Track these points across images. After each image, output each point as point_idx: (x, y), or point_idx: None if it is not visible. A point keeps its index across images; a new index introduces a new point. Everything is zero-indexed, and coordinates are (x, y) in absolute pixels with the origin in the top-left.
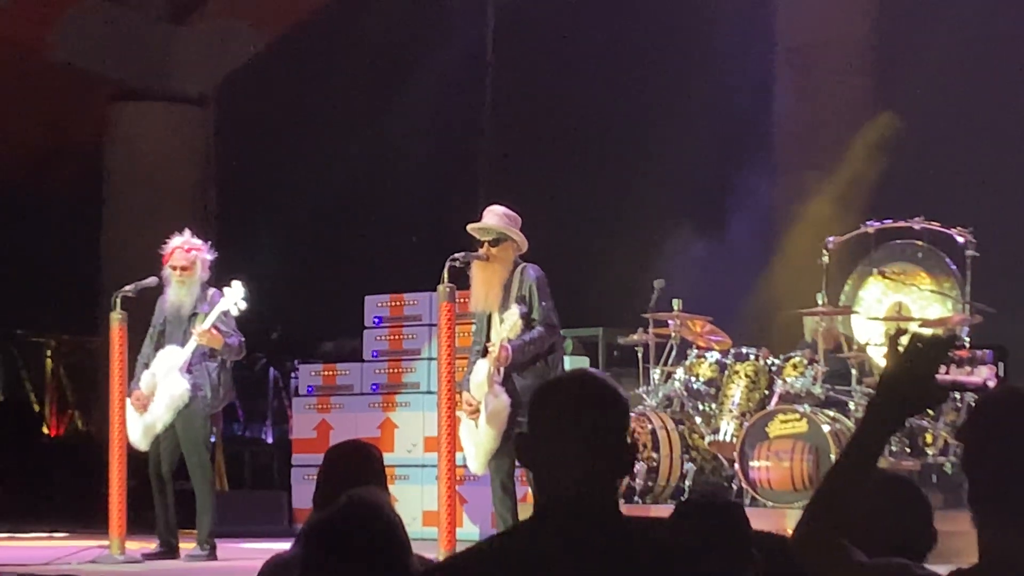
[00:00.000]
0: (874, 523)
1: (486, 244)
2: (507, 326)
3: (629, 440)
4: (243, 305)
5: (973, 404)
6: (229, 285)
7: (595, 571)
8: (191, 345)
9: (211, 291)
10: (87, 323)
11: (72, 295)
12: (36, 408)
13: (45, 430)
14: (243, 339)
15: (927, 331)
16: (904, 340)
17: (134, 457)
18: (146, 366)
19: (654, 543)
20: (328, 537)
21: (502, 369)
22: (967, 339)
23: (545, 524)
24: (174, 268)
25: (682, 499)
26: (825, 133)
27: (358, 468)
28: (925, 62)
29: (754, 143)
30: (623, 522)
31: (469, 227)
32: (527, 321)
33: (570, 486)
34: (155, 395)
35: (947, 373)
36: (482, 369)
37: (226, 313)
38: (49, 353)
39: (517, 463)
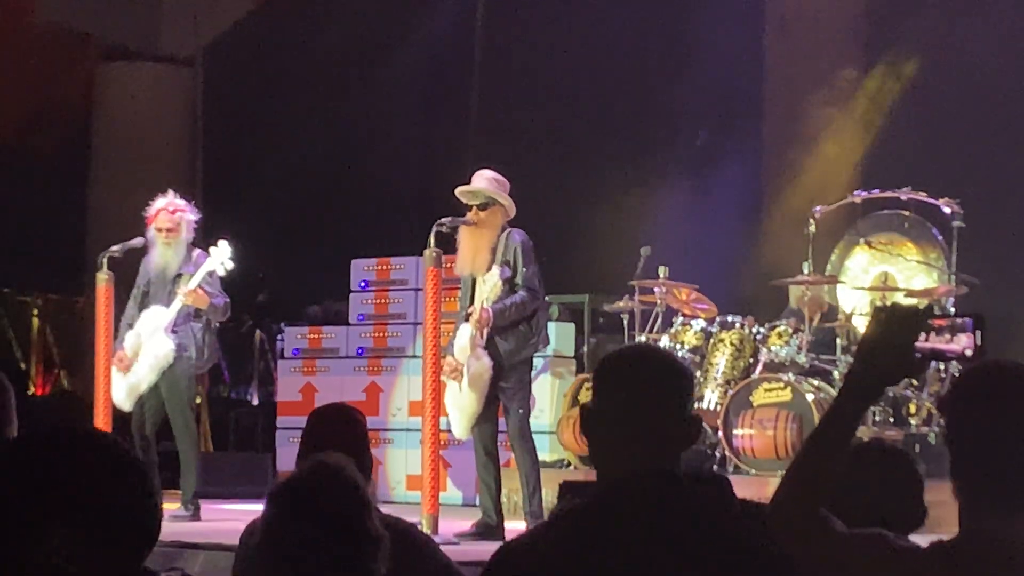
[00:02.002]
0: (865, 494)
1: (474, 208)
2: (487, 287)
3: (693, 413)
4: (229, 265)
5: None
6: (215, 245)
7: (659, 545)
8: (176, 305)
9: (196, 252)
10: (73, 283)
11: (59, 255)
12: (22, 367)
13: (31, 389)
14: (228, 300)
15: (906, 301)
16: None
17: (119, 417)
18: (130, 327)
19: (721, 512)
20: (287, 500)
21: (484, 332)
22: (952, 310)
23: (612, 499)
24: (159, 230)
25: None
26: (813, 102)
27: (341, 431)
28: (914, 32)
29: (742, 111)
30: (689, 493)
31: (458, 190)
32: (511, 285)
33: (633, 460)
34: (139, 355)
35: (926, 341)
36: (465, 333)
37: (212, 273)
38: (35, 312)
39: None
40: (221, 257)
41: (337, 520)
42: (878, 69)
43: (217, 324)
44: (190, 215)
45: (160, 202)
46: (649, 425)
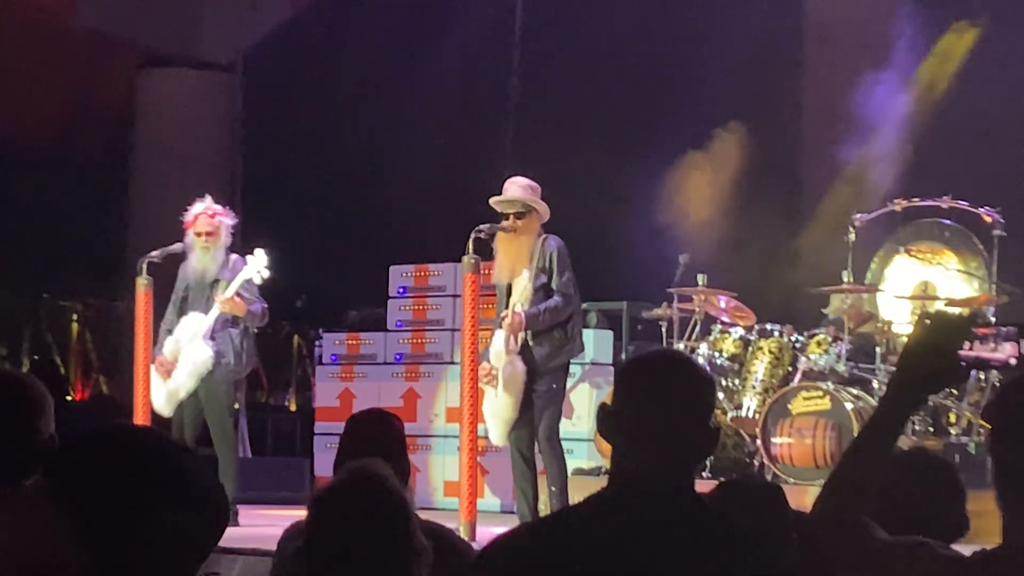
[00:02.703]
0: (908, 502)
1: (511, 216)
2: (518, 292)
3: (713, 423)
4: (266, 274)
5: (997, 385)
6: (252, 253)
7: (668, 550)
8: (214, 312)
9: (234, 258)
10: (113, 288)
11: (98, 260)
12: (62, 372)
13: (70, 394)
14: (266, 306)
15: (951, 309)
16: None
17: (158, 422)
18: (169, 332)
19: (731, 527)
20: (330, 507)
21: (518, 337)
22: (993, 319)
23: (618, 499)
24: (198, 234)
25: (723, 480)
26: (852, 108)
27: (379, 437)
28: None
29: (782, 118)
30: (700, 504)
31: (492, 200)
32: (546, 291)
33: (650, 463)
34: (178, 362)
35: (970, 350)
36: (500, 338)
37: (249, 281)
38: (75, 317)
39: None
40: (257, 266)
41: (381, 530)
42: (919, 73)
43: (255, 330)
44: (228, 220)
45: (198, 207)
46: (667, 431)
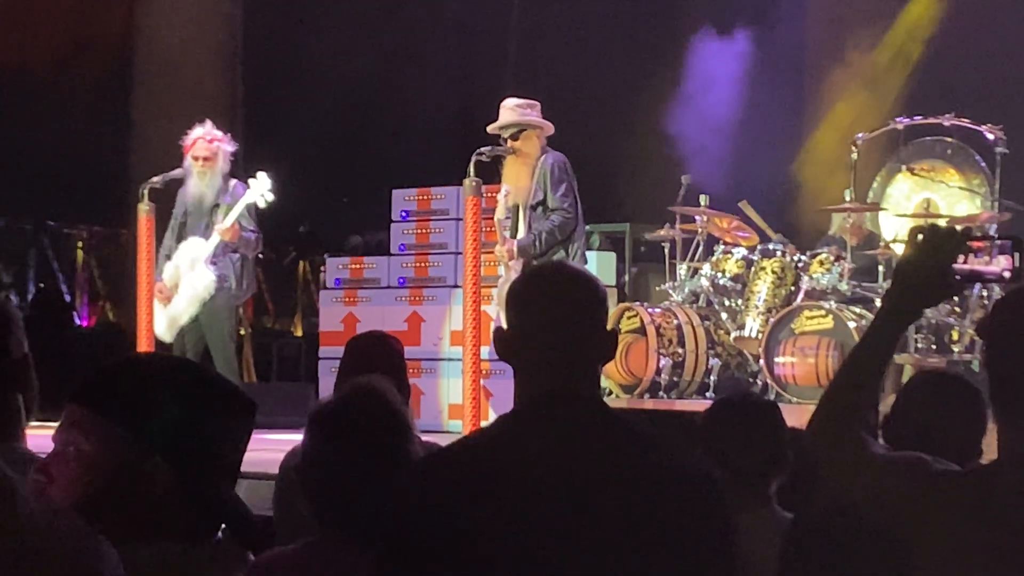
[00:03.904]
0: (929, 425)
1: (508, 139)
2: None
3: (609, 329)
4: (269, 197)
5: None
6: (255, 177)
7: (580, 463)
8: (215, 239)
9: (233, 183)
10: (117, 215)
11: (102, 187)
12: (67, 299)
13: (76, 321)
14: (260, 234)
15: (943, 223)
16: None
17: (160, 348)
18: (168, 258)
19: (641, 434)
20: (328, 423)
21: (515, 265)
22: (996, 235)
23: (527, 417)
24: (196, 159)
25: (718, 398)
26: (857, 27)
27: (378, 359)
28: None
29: (783, 38)
30: (607, 412)
31: (490, 128)
32: (544, 208)
33: (549, 379)
34: (179, 287)
35: (964, 263)
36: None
37: (251, 206)
38: (80, 244)
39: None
40: (261, 189)
41: (376, 443)
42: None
43: (259, 255)
44: (227, 146)
45: (197, 131)
46: (564, 341)
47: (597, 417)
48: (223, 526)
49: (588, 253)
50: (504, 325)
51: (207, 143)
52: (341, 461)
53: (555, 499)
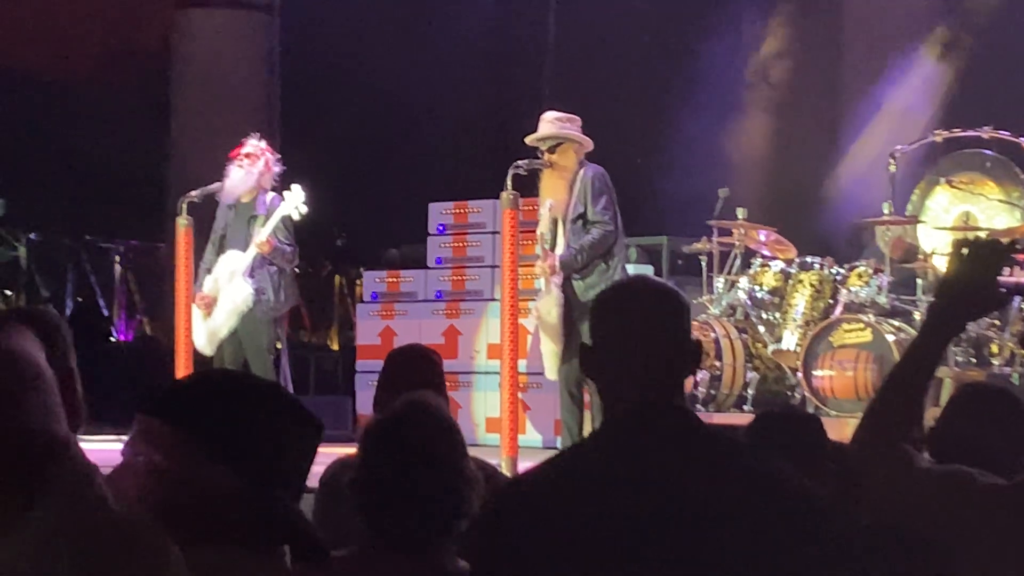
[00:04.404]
0: (971, 435)
1: (545, 152)
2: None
3: (693, 339)
4: (304, 209)
5: None
6: (289, 189)
7: (671, 474)
8: (251, 251)
9: (271, 195)
10: (155, 229)
11: (140, 201)
12: (105, 314)
13: (114, 335)
14: (296, 248)
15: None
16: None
17: (200, 362)
18: (208, 271)
19: (731, 444)
20: (385, 438)
21: (561, 278)
22: None
23: (615, 432)
24: (239, 155)
25: (760, 411)
26: (894, 39)
27: (418, 372)
28: None
29: (822, 49)
30: (699, 424)
31: (527, 139)
32: (584, 220)
33: (636, 392)
34: (218, 300)
35: (1010, 275)
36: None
37: (287, 219)
38: (117, 259)
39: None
40: (295, 202)
41: (434, 459)
42: (958, 10)
43: (296, 269)
44: (272, 157)
45: (250, 140)
46: (647, 354)
47: (689, 429)
48: (285, 540)
49: (627, 266)
50: (586, 341)
51: (256, 143)
52: (399, 476)
53: (656, 514)
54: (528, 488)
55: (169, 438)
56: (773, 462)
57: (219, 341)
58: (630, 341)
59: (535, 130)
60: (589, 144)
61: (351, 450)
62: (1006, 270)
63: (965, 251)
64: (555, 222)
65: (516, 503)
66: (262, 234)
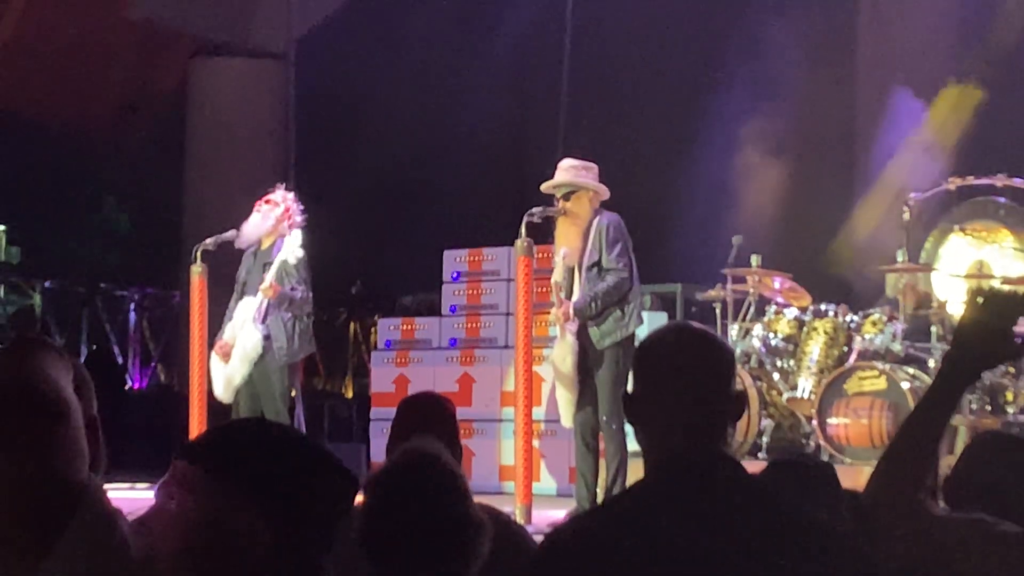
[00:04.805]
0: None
1: (560, 199)
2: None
3: (737, 389)
4: (299, 253)
5: None
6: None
7: (717, 523)
8: (259, 297)
9: (286, 241)
10: (169, 277)
11: (155, 249)
12: (119, 361)
13: (128, 383)
14: (308, 293)
15: (1004, 286)
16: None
17: (215, 410)
18: (230, 319)
19: (775, 493)
20: (387, 487)
21: (576, 325)
22: None
23: (659, 481)
24: (262, 200)
25: (774, 458)
26: (908, 87)
27: (430, 420)
28: (1008, 18)
29: (836, 98)
30: (739, 472)
31: (543, 186)
32: (598, 269)
33: (679, 441)
34: (233, 347)
35: None
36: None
37: (293, 265)
38: (132, 306)
39: (607, 418)
40: (292, 246)
41: (438, 507)
42: (970, 58)
43: (310, 316)
44: (294, 206)
45: (277, 190)
46: (692, 404)
47: (734, 477)
48: None
49: (641, 305)
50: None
51: (281, 192)
52: (403, 525)
53: (702, 563)
54: (575, 536)
55: (202, 484)
56: (820, 515)
57: (235, 388)
58: (674, 389)
59: (551, 177)
60: (605, 192)
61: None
62: (1022, 320)
63: (981, 300)
64: (570, 270)
65: (564, 551)
66: (266, 280)
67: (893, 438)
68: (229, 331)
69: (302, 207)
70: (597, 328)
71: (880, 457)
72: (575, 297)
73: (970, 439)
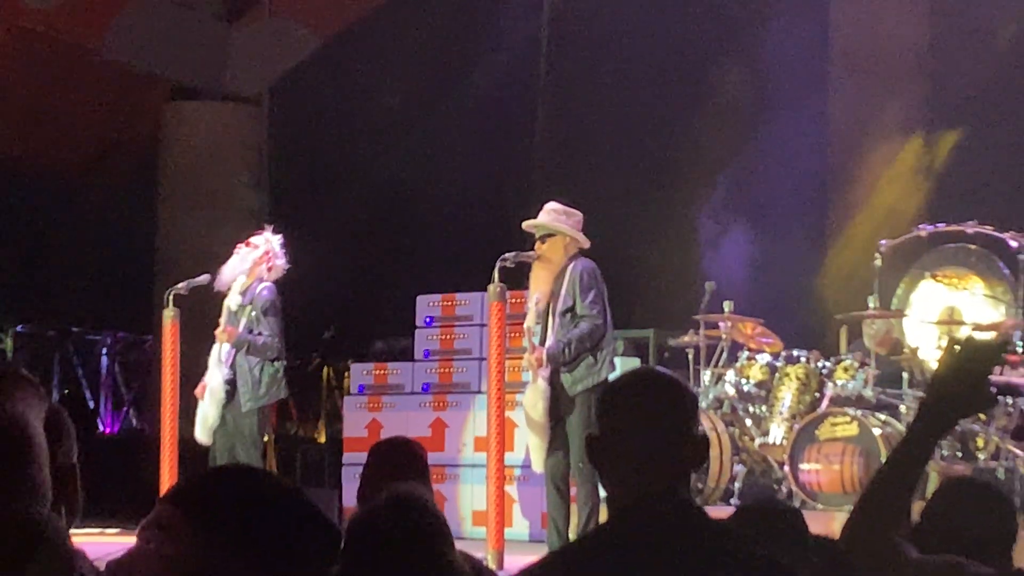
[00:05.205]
0: (959, 529)
1: (537, 241)
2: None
3: (700, 434)
4: (236, 300)
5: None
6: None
7: (675, 568)
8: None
9: (261, 285)
10: (142, 321)
11: (127, 293)
12: (91, 406)
13: (100, 428)
14: (273, 338)
15: (982, 335)
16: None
17: (187, 455)
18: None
19: (734, 537)
20: (370, 531)
21: (548, 371)
22: (1020, 343)
23: (622, 525)
24: (244, 244)
25: (742, 504)
26: (880, 135)
27: (402, 464)
28: (980, 65)
29: (809, 146)
30: (699, 516)
31: (524, 224)
32: (573, 315)
33: (642, 485)
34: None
35: (1000, 374)
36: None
37: (261, 308)
38: (104, 351)
39: (580, 464)
40: (236, 290)
41: (422, 552)
42: (942, 106)
43: (274, 359)
44: (278, 252)
45: (264, 233)
46: (654, 448)
47: (693, 522)
48: None
49: (614, 352)
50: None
51: (264, 237)
52: (389, 568)
53: None
54: None
55: (182, 527)
56: (775, 556)
57: (210, 429)
58: (636, 432)
59: (525, 218)
60: (583, 241)
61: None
62: (996, 368)
63: (958, 349)
64: (544, 315)
65: None
66: (222, 323)
67: (868, 484)
68: (209, 372)
69: (285, 252)
70: (569, 374)
71: (856, 502)
72: (549, 342)
73: (939, 486)
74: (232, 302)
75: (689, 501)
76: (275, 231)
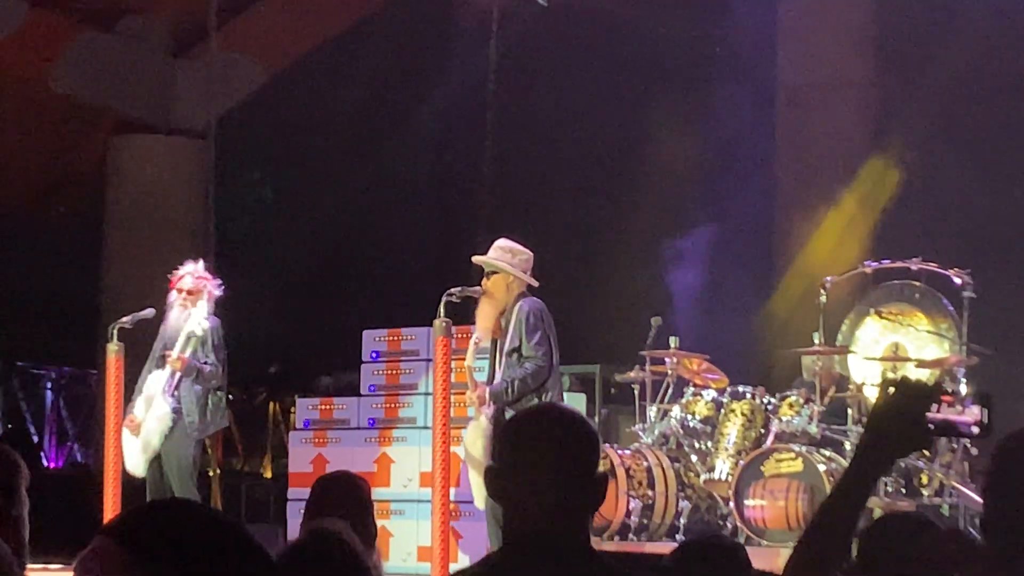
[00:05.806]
0: (897, 565)
1: (483, 277)
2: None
3: (599, 473)
4: (206, 324)
5: (968, 447)
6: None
7: None
8: (168, 369)
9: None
10: (86, 355)
11: (72, 327)
12: (35, 440)
13: (44, 462)
14: (218, 367)
15: (917, 374)
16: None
17: (130, 490)
18: (141, 392)
19: None
20: (289, 568)
21: (492, 409)
22: (963, 380)
23: (513, 558)
24: (180, 291)
25: (685, 539)
26: (825, 173)
27: (344, 498)
28: (925, 104)
29: (754, 182)
30: (593, 557)
31: (473, 259)
32: (519, 355)
33: (537, 520)
34: (146, 420)
35: (937, 412)
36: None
37: (200, 336)
38: (49, 385)
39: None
40: (198, 317)
41: None
42: (887, 144)
43: (216, 387)
44: (213, 287)
45: (188, 267)
46: (549, 483)
47: (581, 562)
48: None
49: (562, 393)
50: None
51: (195, 279)
52: None
53: None
54: None
55: (117, 559)
56: None
57: (146, 461)
58: (531, 468)
59: (473, 254)
60: (529, 280)
61: None
62: (934, 406)
63: (892, 389)
64: (493, 352)
65: None
66: (175, 351)
67: (810, 521)
68: (139, 404)
69: (220, 283)
70: (513, 414)
71: (798, 540)
72: (496, 380)
73: (869, 523)
74: (181, 332)
75: (580, 542)
76: (223, 266)
